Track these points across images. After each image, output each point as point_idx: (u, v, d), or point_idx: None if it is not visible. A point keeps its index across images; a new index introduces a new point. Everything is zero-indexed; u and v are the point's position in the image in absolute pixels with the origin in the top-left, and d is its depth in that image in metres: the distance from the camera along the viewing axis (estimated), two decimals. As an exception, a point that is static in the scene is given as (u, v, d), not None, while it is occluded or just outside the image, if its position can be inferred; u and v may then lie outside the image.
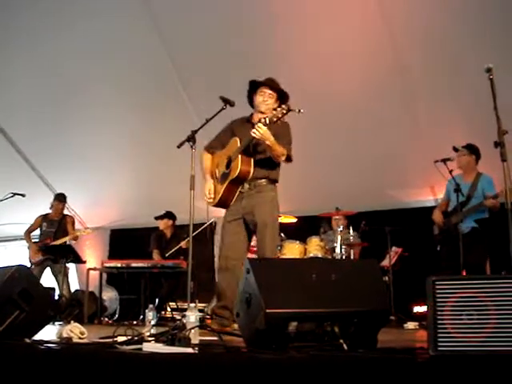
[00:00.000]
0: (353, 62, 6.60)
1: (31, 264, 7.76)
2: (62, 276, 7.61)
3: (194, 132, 4.18)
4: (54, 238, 7.76)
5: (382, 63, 6.50)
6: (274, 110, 4.16)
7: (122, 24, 6.77)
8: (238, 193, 4.45)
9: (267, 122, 4.11)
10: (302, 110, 4.06)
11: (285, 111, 4.06)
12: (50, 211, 8.05)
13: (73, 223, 8.07)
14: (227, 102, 4.40)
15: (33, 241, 8.04)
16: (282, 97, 4.54)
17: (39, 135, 8.30)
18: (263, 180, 4.45)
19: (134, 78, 7.37)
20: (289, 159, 4.44)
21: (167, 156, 7.22)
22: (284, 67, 6.69)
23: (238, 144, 4.39)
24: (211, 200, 4.55)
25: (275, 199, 4.51)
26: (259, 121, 4.17)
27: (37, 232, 8.14)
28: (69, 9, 6.68)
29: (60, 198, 8.03)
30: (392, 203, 7.90)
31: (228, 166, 4.46)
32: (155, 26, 6.74)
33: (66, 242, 7.75)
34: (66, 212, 8.20)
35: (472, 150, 5.88)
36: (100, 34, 6.88)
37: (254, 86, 4.60)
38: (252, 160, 4.37)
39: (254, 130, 4.13)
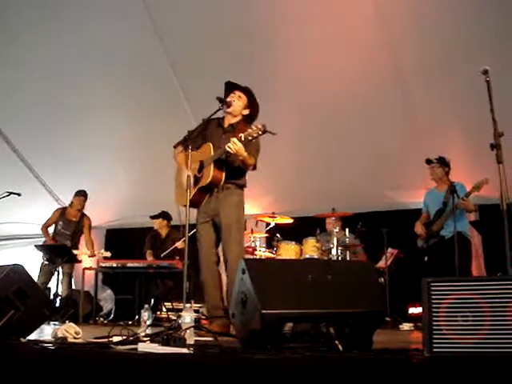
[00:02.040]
0: (349, 64, 6.61)
1: (44, 261, 7.73)
2: (63, 276, 7.61)
3: (191, 132, 4.18)
4: (71, 242, 7.75)
5: (379, 65, 6.51)
6: (250, 128, 4.14)
7: (121, 27, 6.78)
8: (207, 196, 4.50)
9: (242, 139, 4.13)
10: (275, 133, 4.08)
11: (260, 132, 4.07)
12: (67, 206, 7.99)
13: (90, 227, 8.00)
14: (223, 102, 4.42)
15: (50, 236, 8.00)
16: (252, 103, 4.59)
17: (36, 134, 8.28)
18: (231, 185, 4.48)
19: (131, 80, 7.37)
20: (254, 168, 4.51)
21: (163, 156, 7.20)
22: (282, 69, 6.72)
23: (211, 151, 4.40)
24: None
25: (242, 203, 4.55)
26: (238, 137, 4.16)
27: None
28: (70, 12, 6.69)
29: (82, 193, 7.96)
30: (388, 204, 7.91)
31: (200, 170, 4.48)
32: (154, 29, 6.74)
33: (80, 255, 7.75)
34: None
35: (444, 162, 6.12)
36: (99, 38, 6.89)
37: (228, 90, 4.63)
38: (224, 169, 4.39)
39: (229, 145, 4.14)
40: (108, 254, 7.72)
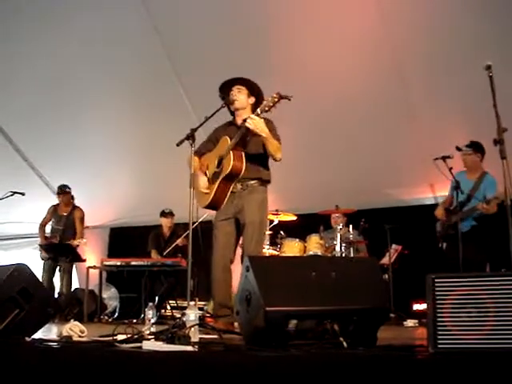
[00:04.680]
0: (352, 62, 6.60)
1: (42, 259, 7.74)
2: (62, 274, 7.62)
3: (194, 130, 4.15)
4: (61, 237, 7.74)
5: (380, 62, 6.49)
6: (264, 100, 4.07)
7: (121, 25, 6.77)
8: (229, 192, 4.39)
9: (259, 112, 4.07)
10: (291, 96, 4.00)
11: (276, 99, 3.98)
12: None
13: (81, 219, 7.90)
14: (226, 99, 4.41)
15: (46, 235, 8.00)
16: (253, 90, 4.54)
17: (38, 134, 8.29)
18: (255, 181, 4.42)
19: (133, 78, 7.37)
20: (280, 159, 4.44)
21: (167, 154, 7.21)
22: (284, 66, 6.70)
23: (229, 142, 4.34)
24: (207, 191, 4.47)
25: (265, 202, 4.49)
26: (256, 113, 4.11)
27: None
28: (69, 9, 6.69)
29: (58, 191, 7.92)
30: (392, 201, 7.90)
31: (219, 164, 4.41)
32: (154, 27, 6.74)
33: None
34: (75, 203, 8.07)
35: (477, 147, 5.76)
36: (98, 34, 6.88)
37: (224, 91, 4.57)
38: (243, 155, 4.30)
39: (248, 121, 4.07)
40: (83, 241, 7.74)
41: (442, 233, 6.04)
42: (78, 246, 7.75)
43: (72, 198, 7.99)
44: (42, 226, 8.04)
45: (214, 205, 4.47)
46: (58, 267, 7.68)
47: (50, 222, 7.99)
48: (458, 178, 5.79)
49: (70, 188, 7.93)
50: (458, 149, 5.70)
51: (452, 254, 5.69)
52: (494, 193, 5.50)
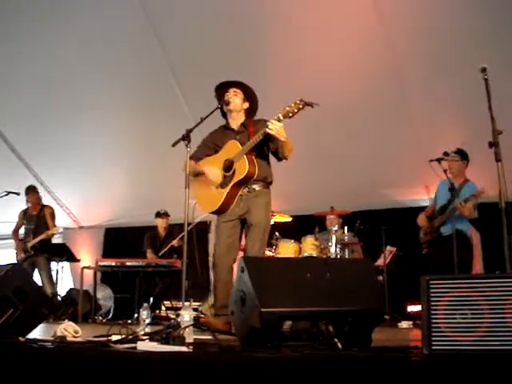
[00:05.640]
0: (349, 63, 6.60)
1: (17, 261, 7.68)
2: (44, 272, 7.54)
3: (189, 131, 4.14)
4: (34, 235, 7.66)
5: (378, 64, 6.49)
6: (288, 106, 4.00)
7: (121, 25, 6.77)
8: (238, 197, 4.38)
9: (281, 117, 4.02)
10: (317, 103, 3.95)
11: (301, 105, 3.94)
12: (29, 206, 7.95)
13: (51, 215, 7.85)
14: (222, 100, 4.40)
15: (20, 238, 7.97)
16: (249, 95, 4.53)
17: (34, 134, 8.27)
18: (260, 184, 4.40)
19: (132, 79, 7.37)
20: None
21: (163, 155, 7.20)
22: (282, 66, 6.71)
23: (239, 146, 4.31)
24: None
25: (270, 204, 4.49)
26: (276, 118, 4.05)
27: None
28: (69, 9, 6.68)
29: (30, 188, 7.84)
30: (387, 202, 7.90)
31: (228, 169, 4.37)
32: (152, 27, 6.74)
33: (41, 240, 7.60)
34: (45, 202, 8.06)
35: (463, 155, 5.86)
36: (98, 34, 6.87)
37: (220, 93, 4.55)
38: (255, 159, 4.30)
39: (270, 126, 4.02)
40: (59, 229, 7.75)
41: (425, 239, 6.11)
42: (53, 235, 7.73)
43: (39, 198, 7.95)
44: (15, 231, 8.01)
45: (221, 210, 4.42)
46: (38, 268, 7.61)
47: (24, 224, 7.93)
48: (443, 186, 5.91)
49: (36, 188, 7.92)
50: (446, 154, 5.76)
51: (438, 259, 5.77)
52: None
